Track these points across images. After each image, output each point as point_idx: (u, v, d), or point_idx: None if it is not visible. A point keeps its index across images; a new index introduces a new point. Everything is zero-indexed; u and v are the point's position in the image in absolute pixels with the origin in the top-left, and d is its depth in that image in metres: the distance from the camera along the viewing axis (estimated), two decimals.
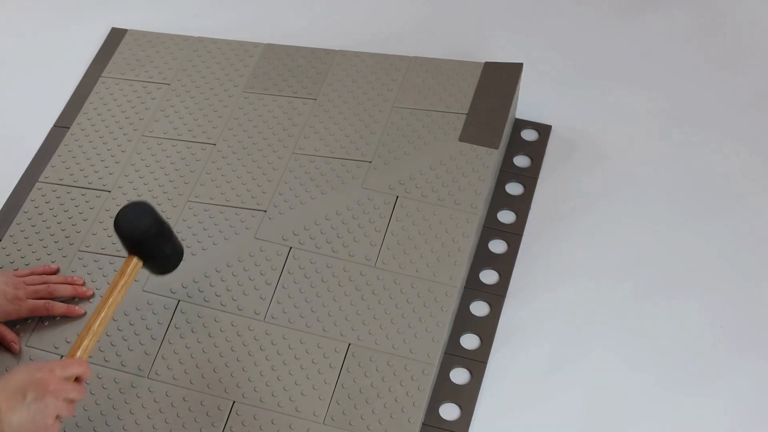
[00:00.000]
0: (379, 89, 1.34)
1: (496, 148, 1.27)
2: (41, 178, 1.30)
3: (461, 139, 1.28)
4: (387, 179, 1.26)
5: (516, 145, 1.36)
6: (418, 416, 1.11)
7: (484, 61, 1.38)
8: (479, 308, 1.23)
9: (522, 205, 1.31)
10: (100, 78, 1.40)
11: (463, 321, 1.21)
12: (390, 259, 1.20)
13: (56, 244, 1.24)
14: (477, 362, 1.19)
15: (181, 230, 1.24)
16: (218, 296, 1.18)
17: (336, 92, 1.35)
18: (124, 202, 1.26)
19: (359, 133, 1.30)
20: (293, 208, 1.24)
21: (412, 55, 1.38)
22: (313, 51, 1.40)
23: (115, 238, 1.22)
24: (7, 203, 1.29)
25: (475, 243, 1.25)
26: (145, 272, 1.19)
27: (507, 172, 1.33)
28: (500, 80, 1.33)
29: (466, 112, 1.31)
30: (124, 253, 1.20)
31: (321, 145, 1.30)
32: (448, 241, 1.21)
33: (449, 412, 1.16)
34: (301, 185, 1.26)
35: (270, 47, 1.41)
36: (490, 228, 1.29)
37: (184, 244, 1.20)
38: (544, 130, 1.38)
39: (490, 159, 1.27)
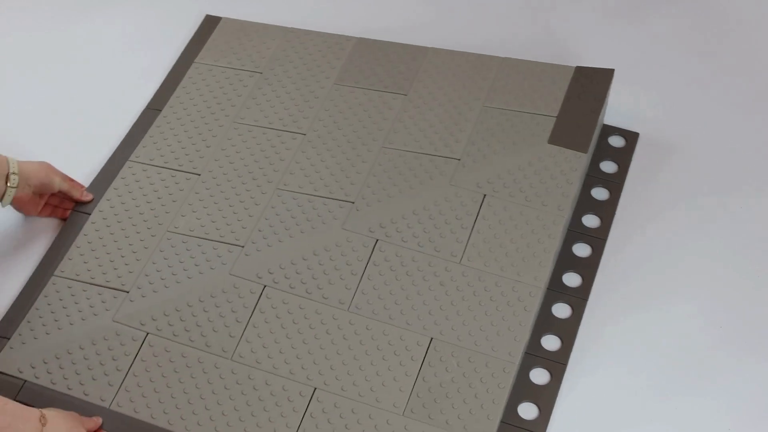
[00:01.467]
0: (469, 88, 1.35)
1: (585, 152, 1.28)
2: (132, 157, 1.32)
3: (550, 141, 1.29)
4: (475, 177, 1.26)
5: (603, 151, 1.36)
6: (498, 413, 1.12)
7: (574, 65, 1.38)
8: (561, 310, 1.23)
9: (607, 210, 1.31)
10: (194, 63, 1.42)
11: (545, 322, 1.21)
12: (475, 257, 1.21)
13: (145, 222, 1.26)
14: (557, 364, 1.19)
15: (269, 217, 1.25)
16: (304, 284, 1.19)
17: (427, 89, 1.36)
18: (214, 187, 1.27)
19: (449, 131, 1.31)
20: (381, 201, 1.25)
21: (503, 56, 1.39)
22: (405, 47, 1.41)
23: (205, 221, 1.24)
24: (96, 179, 1.31)
25: (560, 245, 1.26)
26: (232, 256, 1.20)
27: (593, 176, 1.34)
28: (591, 85, 1.33)
29: (556, 115, 1.31)
30: (212, 236, 1.22)
31: (410, 140, 1.31)
32: (534, 241, 1.22)
33: (528, 411, 1.16)
34: (389, 179, 1.27)
35: (362, 42, 1.42)
36: (575, 231, 1.29)
37: (271, 230, 1.22)
38: (631, 137, 1.38)
39: (578, 162, 1.27)
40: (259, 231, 1.24)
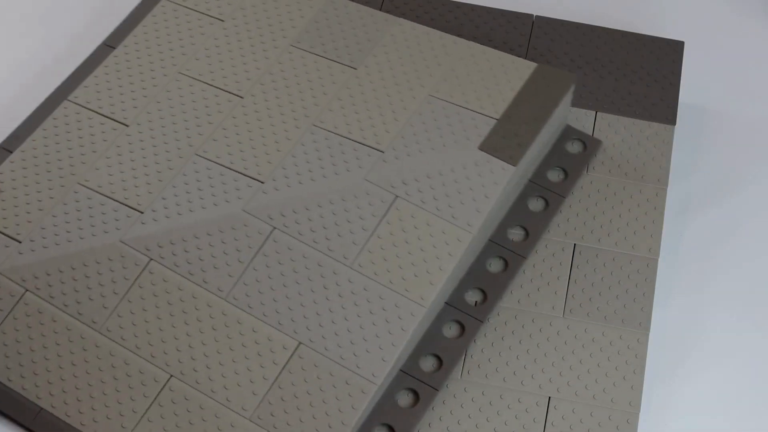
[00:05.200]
0: (421, 72, 1.27)
1: (514, 165, 1.20)
2: (71, 97, 1.30)
3: (481, 147, 1.21)
4: (392, 176, 1.20)
5: (556, 156, 1.27)
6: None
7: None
8: (452, 329, 1.18)
9: (537, 225, 1.23)
10: (161, 0, 1.37)
11: (431, 340, 1.17)
12: (368, 263, 1.16)
13: (60, 171, 1.24)
14: (431, 388, 1.15)
15: (177, 185, 1.22)
16: (189, 264, 1.17)
17: (378, 66, 1.29)
18: (136, 142, 1.25)
19: (383, 118, 1.25)
20: (290, 186, 1.21)
21: (468, 40, 1.30)
22: (374, 14, 1.33)
23: (115, 179, 1.22)
24: (31, 116, 1.30)
25: (471, 261, 1.20)
26: (130, 221, 1.18)
27: (536, 184, 1.26)
28: (546, 89, 1.24)
29: (498, 117, 1.23)
30: (118, 195, 1.20)
31: (342, 122, 1.25)
32: (432, 257, 1.16)
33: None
34: (306, 162, 1.22)
35: (331, 2, 1.35)
36: (497, 244, 1.22)
37: (175, 200, 1.19)
38: (592, 144, 1.28)
39: (503, 176, 1.19)
40: (163, 199, 1.21)
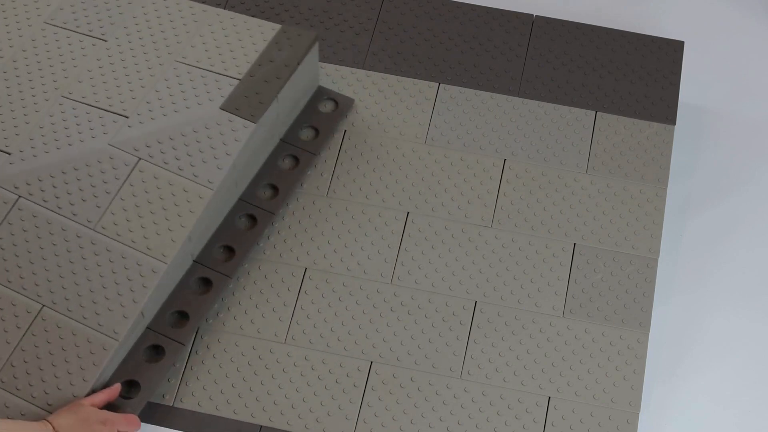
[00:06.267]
0: (169, 39, 1.29)
1: (255, 122, 1.22)
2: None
3: (223, 106, 1.23)
4: (136, 139, 1.22)
5: (308, 116, 1.30)
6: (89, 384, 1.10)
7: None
8: (199, 286, 1.20)
9: (287, 182, 1.26)
10: None
11: (177, 300, 1.18)
12: (111, 225, 1.17)
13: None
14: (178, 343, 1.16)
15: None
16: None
17: (127, 37, 1.30)
18: None
19: (130, 85, 1.26)
20: (36, 156, 1.22)
21: (219, 7, 1.32)
22: None
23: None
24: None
25: (220, 218, 1.22)
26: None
27: (287, 143, 1.28)
28: (290, 48, 1.27)
29: (240, 78, 1.25)
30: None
31: (90, 92, 1.26)
32: (174, 215, 1.18)
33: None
34: (53, 132, 1.23)
35: None
36: (246, 202, 1.24)
37: None
38: (344, 103, 1.31)
39: (244, 133, 1.21)
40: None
